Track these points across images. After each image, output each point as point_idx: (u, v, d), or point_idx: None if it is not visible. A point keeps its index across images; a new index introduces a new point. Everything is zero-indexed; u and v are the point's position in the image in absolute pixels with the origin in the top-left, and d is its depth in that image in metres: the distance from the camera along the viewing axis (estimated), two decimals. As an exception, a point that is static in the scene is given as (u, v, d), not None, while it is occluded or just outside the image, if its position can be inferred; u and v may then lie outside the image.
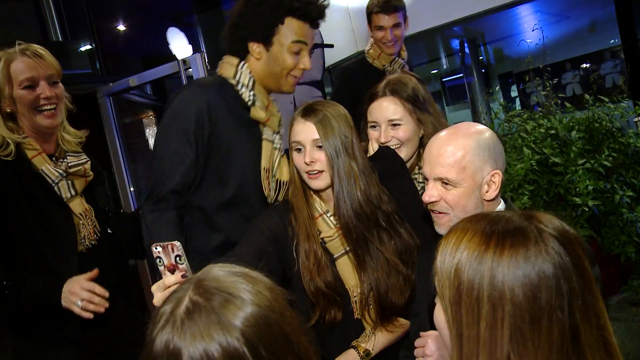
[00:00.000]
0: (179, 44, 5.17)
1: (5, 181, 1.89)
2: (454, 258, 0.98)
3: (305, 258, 1.76)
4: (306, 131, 1.75)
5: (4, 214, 1.88)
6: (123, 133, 4.64)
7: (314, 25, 1.95)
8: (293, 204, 1.83)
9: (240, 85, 1.96)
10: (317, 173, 1.75)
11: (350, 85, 3.10)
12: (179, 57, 4.73)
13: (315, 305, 1.78)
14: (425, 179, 1.55)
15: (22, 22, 5.67)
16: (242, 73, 1.96)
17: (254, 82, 1.96)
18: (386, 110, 1.95)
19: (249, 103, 1.95)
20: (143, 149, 7.10)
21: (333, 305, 1.77)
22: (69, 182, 1.99)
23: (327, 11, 2.01)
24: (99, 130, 4.75)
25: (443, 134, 1.55)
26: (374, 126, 2.01)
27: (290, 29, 1.90)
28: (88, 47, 5.25)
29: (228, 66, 1.99)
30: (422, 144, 1.99)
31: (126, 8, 6.69)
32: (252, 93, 1.95)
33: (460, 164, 1.47)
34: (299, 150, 1.78)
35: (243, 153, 1.94)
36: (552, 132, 3.46)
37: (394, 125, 1.96)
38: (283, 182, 1.99)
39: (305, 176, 1.79)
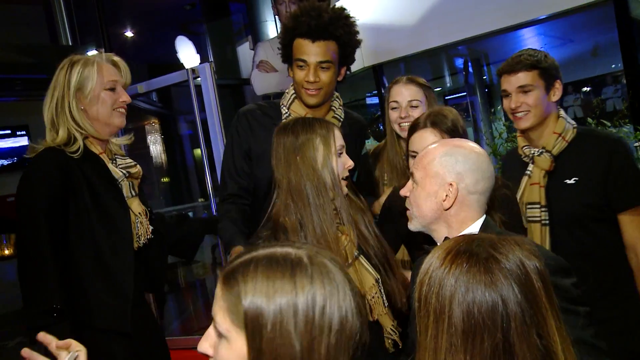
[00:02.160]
0: (187, 53, 5.21)
1: (72, 176, 1.99)
2: (425, 269, 1.08)
3: None
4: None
5: (70, 208, 1.97)
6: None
7: (316, 39, 2.09)
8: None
9: (282, 105, 2.26)
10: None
11: None
12: (187, 65, 4.75)
13: None
14: None
15: (31, 24, 5.72)
16: (286, 93, 2.27)
17: (292, 99, 2.24)
18: (426, 141, 1.97)
19: (283, 117, 2.21)
20: (144, 155, 7.12)
21: None
22: (130, 182, 2.14)
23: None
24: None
25: (431, 144, 1.69)
26: (415, 156, 2.05)
27: (296, 49, 2.14)
28: (96, 52, 5.29)
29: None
30: None
31: (135, 14, 6.75)
32: (287, 110, 2.23)
33: (425, 165, 1.59)
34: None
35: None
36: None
37: None
38: None
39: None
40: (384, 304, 1.81)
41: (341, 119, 2.25)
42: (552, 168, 2.06)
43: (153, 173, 6.89)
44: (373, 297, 1.80)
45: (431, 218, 1.59)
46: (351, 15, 2.17)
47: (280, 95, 4.17)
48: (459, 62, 7.90)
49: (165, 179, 7.36)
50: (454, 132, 1.99)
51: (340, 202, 1.79)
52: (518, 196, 2.11)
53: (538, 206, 2.06)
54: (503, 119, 5.80)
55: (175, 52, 5.34)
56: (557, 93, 2.09)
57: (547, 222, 2.04)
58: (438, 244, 1.59)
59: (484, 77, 8.21)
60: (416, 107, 2.31)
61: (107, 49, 4.98)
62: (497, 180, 1.99)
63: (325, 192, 1.74)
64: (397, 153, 2.34)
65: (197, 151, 7.71)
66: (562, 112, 2.12)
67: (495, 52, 7.96)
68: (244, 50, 6.11)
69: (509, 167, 2.33)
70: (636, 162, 2.05)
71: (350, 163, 1.84)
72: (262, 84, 4.22)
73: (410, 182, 1.65)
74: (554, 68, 2.10)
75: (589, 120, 3.71)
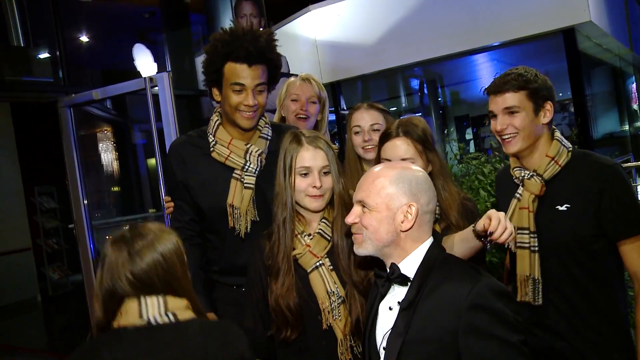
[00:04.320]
0: (144, 61, 5.12)
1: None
2: None
3: (276, 278, 1.91)
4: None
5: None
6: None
7: (253, 63, 2.11)
8: (281, 219, 1.94)
9: (209, 134, 2.25)
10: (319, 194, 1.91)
11: None
12: (144, 74, 4.69)
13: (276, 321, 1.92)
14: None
15: (-19, 23, 5.51)
16: (211, 120, 2.27)
17: (217, 127, 2.24)
18: (399, 149, 2.04)
19: (211, 147, 2.23)
20: (95, 162, 6.95)
21: (288, 325, 1.89)
22: None
23: (280, 46, 2.23)
24: (54, 140, 4.63)
25: (373, 168, 1.71)
26: None
27: (230, 73, 2.12)
28: (48, 55, 5.14)
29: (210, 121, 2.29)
30: None
31: (92, 19, 6.61)
32: (213, 138, 2.23)
33: (378, 190, 1.59)
34: (304, 175, 1.91)
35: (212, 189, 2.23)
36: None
37: None
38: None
39: (305, 198, 1.93)
40: (333, 315, 1.88)
41: (269, 137, 2.26)
42: (543, 193, 1.96)
43: (104, 182, 6.71)
44: (325, 307, 1.88)
45: (387, 241, 1.59)
46: (273, 36, 2.21)
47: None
48: (415, 83, 8.06)
49: (116, 188, 7.19)
50: (424, 140, 2.05)
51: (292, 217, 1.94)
52: (507, 216, 1.99)
53: (527, 232, 1.97)
54: (457, 140, 5.95)
55: (131, 59, 5.25)
56: (547, 115, 1.96)
57: (536, 248, 1.96)
58: (387, 266, 1.63)
59: (439, 99, 8.41)
60: (377, 130, 2.36)
61: (61, 52, 4.85)
62: (458, 194, 2.08)
63: (284, 206, 1.93)
64: (359, 175, 2.38)
65: (151, 161, 7.55)
66: (557, 134, 2.01)
67: (449, 75, 8.18)
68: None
69: (500, 187, 2.23)
70: (633, 189, 2.00)
71: (316, 184, 1.90)
72: None
73: (358, 209, 1.63)
74: (544, 88, 1.95)
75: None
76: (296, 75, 2.92)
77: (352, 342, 1.88)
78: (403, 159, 2.03)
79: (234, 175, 2.18)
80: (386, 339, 1.55)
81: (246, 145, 2.19)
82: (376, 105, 2.46)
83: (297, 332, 1.89)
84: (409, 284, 1.56)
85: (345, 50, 6.15)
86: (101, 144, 7.22)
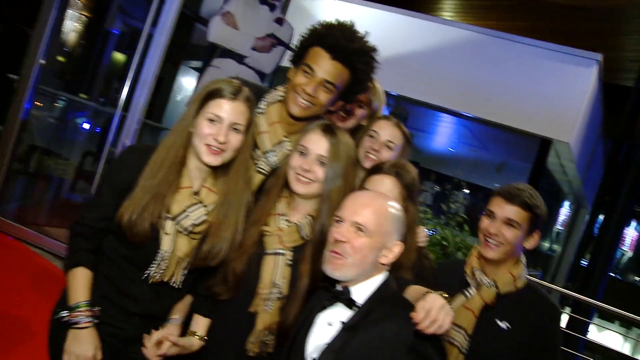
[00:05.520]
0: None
1: None
2: None
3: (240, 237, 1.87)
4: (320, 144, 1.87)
5: None
6: None
7: (335, 58, 2.01)
8: (271, 188, 1.94)
9: (264, 99, 2.15)
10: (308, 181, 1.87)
11: None
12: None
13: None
14: (338, 220, 1.67)
15: None
16: (275, 90, 2.18)
17: (275, 101, 2.15)
18: (384, 186, 2.02)
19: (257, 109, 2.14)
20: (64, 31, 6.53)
21: (226, 285, 1.87)
22: None
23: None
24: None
25: (369, 192, 1.79)
26: None
27: (311, 56, 2.02)
28: None
29: None
30: None
31: None
32: (263, 108, 2.13)
33: (380, 219, 1.63)
34: (302, 153, 1.88)
35: None
36: (444, 243, 3.74)
37: None
38: None
39: (293, 176, 1.87)
40: (264, 305, 1.85)
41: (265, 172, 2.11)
42: (492, 304, 2.01)
43: (63, 53, 6.33)
44: (262, 294, 1.85)
45: (366, 270, 1.62)
46: (377, 60, 2.09)
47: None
48: (385, 110, 8.12)
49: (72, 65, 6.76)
50: (410, 189, 2.06)
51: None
52: None
53: (463, 332, 1.99)
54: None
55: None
56: (532, 242, 2.06)
57: (465, 351, 1.98)
58: (338, 285, 1.65)
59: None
60: (391, 149, 2.32)
61: None
62: (416, 251, 2.08)
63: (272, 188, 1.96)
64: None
65: (117, 55, 7.21)
66: (523, 258, 2.10)
67: (415, 118, 8.31)
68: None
69: (445, 277, 2.19)
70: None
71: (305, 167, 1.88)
72: (217, 33, 4.17)
73: (351, 229, 1.63)
74: (542, 220, 2.05)
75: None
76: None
77: (267, 339, 1.86)
78: None
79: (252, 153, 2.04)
80: (319, 351, 1.59)
81: (284, 137, 2.07)
82: (404, 128, 2.40)
83: (228, 296, 1.87)
84: (356, 308, 1.60)
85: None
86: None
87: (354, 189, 1.92)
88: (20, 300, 3.49)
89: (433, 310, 1.50)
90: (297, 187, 1.87)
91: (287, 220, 1.90)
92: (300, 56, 2.03)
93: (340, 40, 1.95)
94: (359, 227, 1.62)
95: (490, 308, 2.01)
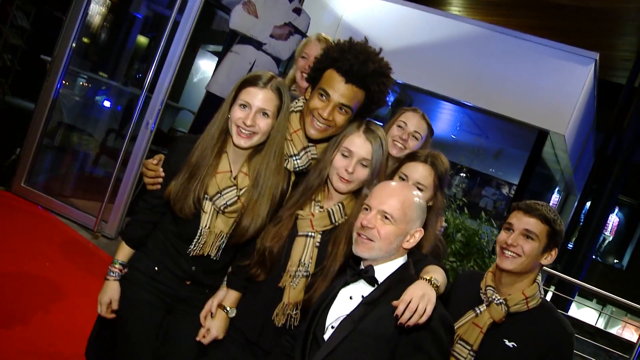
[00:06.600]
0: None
1: None
2: None
3: (276, 222, 2.03)
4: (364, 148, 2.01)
5: None
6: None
7: (349, 81, 2.01)
8: (312, 183, 2.05)
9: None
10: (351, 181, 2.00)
11: None
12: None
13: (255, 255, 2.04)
14: (367, 208, 1.81)
15: None
16: (297, 101, 2.23)
17: (298, 111, 2.20)
18: (419, 173, 2.19)
19: None
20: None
21: (262, 267, 2.02)
22: None
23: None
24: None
25: (395, 183, 1.88)
26: (403, 179, 2.27)
27: (325, 79, 2.04)
28: None
29: None
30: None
31: None
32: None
33: (405, 209, 1.77)
34: (345, 156, 2.01)
35: None
36: (444, 224, 4.05)
37: (419, 189, 2.14)
38: None
39: (336, 177, 2.01)
40: (292, 282, 1.98)
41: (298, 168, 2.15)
42: (501, 322, 2.01)
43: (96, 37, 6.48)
44: (290, 271, 1.99)
45: (390, 253, 1.77)
46: (391, 77, 2.09)
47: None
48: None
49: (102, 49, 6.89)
50: (442, 179, 2.24)
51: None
52: (455, 325, 2.02)
53: (469, 348, 2.01)
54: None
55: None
56: (549, 258, 2.05)
57: None
58: (363, 263, 1.81)
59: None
60: (417, 139, 2.47)
61: None
62: (437, 236, 2.24)
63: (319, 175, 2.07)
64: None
65: (141, 39, 7.33)
66: (539, 278, 2.08)
67: (419, 105, 8.55)
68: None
69: (461, 288, 2.22)
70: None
71: (349, 169, 2.00)
72: (238, 20, 4.29)
73: (377, 215, 1.77)
74: (560, 237, 2.05)
75: (483, 215, 4.31)
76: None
77: (293, 312, 1.99)
78: (418, 183, 2.19)
79: None
80: (339, 320, 1.74)
81: (309, 144, 2.12)
82: (428, 121, 2.57)
83: (264, 277, 2.02)
84: (377, 285, 1.75)
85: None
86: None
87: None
88: (51, 267, 3.68)
89: (413, 301, 1.60)
90: (340, 186, 2.00)
91: (320, 206, 2.04)
92: (315, 78, 2.06)
93: (354, 65, 1.96)
94: (385, 216, 1.76)
95: (498, 326, 2.01)
